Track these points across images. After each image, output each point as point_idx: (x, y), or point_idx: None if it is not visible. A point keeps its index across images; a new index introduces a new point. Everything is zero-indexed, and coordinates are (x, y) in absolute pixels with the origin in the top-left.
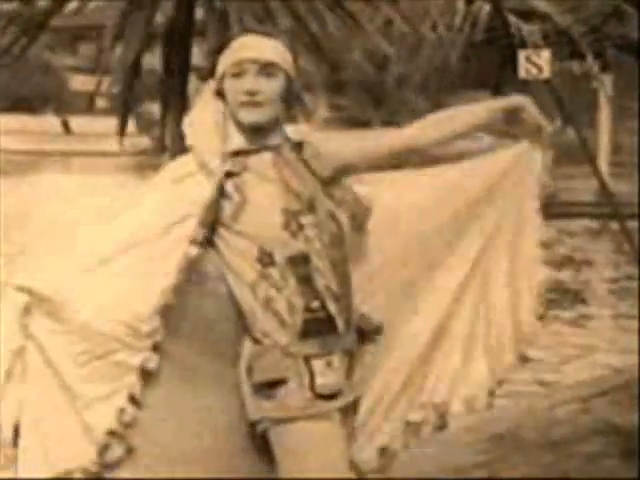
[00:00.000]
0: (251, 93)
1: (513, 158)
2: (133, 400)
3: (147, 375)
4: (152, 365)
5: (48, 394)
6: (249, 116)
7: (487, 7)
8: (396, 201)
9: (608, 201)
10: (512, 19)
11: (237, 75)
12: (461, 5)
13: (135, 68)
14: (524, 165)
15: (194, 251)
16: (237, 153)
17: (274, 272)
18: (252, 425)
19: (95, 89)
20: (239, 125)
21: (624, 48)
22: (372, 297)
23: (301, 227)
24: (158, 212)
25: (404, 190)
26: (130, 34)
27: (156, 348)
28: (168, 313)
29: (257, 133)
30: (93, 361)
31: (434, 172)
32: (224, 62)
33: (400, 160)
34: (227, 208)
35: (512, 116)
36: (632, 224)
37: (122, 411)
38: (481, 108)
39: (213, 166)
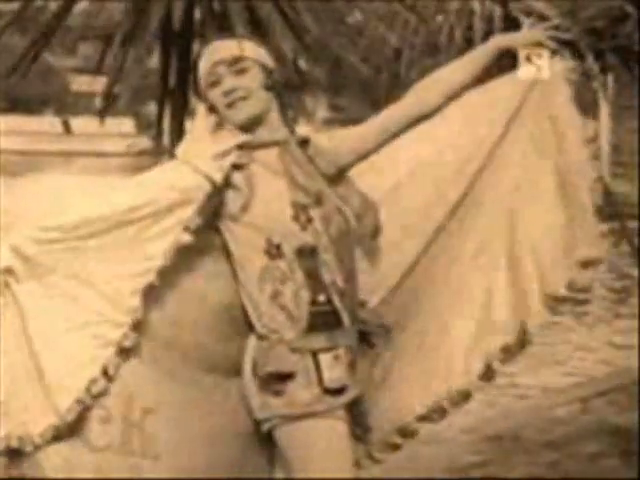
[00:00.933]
0: (229, 92)
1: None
2: (106, 374)
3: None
4: (129, 343)
5: (12, 356)
6: (238, 113)
7: (498, 9)
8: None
9: (608, 201)
10: (524, 20)
11: (215, 83)
12: (477, 6)
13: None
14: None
15: (185, 238)
16: (242, 147)
17: (282, 264)
18: (256, 423)
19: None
20: (238, 127)
21: (624, 49)
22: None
23: (310, 220)
24: (163, 185)
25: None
26: (140, 36)
27: (136, 327)
28: (151, 294)
29: (256, 127)
30: (72, 331)
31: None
32: (200, 77)
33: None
34: (234, 200)
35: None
36: (632, 224)
37: (93, 382)
38: (469, 61)
39: (206, 168)
